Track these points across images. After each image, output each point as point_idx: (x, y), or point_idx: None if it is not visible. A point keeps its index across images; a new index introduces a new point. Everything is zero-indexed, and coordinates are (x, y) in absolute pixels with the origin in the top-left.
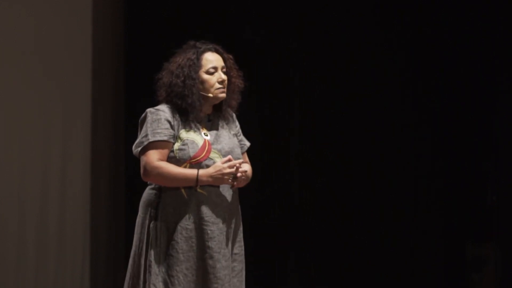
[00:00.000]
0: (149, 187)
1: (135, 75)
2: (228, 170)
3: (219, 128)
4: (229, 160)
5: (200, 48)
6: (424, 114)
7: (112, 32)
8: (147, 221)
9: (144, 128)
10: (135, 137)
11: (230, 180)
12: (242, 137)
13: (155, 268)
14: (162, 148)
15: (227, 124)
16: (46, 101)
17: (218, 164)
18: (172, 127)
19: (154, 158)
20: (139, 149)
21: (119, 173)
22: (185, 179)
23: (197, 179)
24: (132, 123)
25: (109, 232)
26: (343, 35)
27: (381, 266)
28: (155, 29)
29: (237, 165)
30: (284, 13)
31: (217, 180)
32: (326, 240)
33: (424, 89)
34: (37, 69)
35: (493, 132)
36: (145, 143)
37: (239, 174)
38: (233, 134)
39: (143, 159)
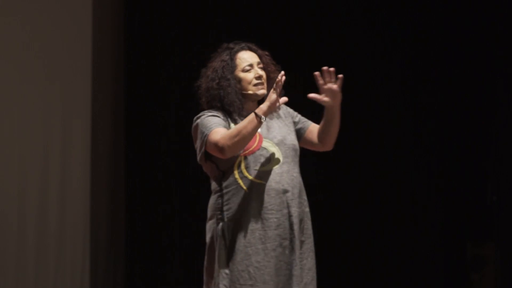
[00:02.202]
0: (213, 192)
1: (135, 75)
2: (274, 95)
3: (268, 120)
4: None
5: (233, 48)
6: (424, 114)
7: (112, 32)
8: (214, 224)
9: (199, 131)
10: (135, 138)
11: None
12: (303, 118)
13: (224, 267)
14: (220, 131)
15: (277, 117)
16: (46, 101)
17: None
18: (223, 119)
19: (218, 137)
20: (204, 148)
21: (119, 173)
22: (249, 122)
23: (256, 113)
24: (132, 123)
25: (109, 232)
26: (343, 35)
27: (381, 266)
28: (155, 29)
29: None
30: (284, 13)
31: (271, 102)
32: (326, 240)
33: (424, 89)
34: (37, 69)
35: (493, 132)
36: (205, 138)
37: (278, 78)
38: (290, 123)
39: (212, 146)
